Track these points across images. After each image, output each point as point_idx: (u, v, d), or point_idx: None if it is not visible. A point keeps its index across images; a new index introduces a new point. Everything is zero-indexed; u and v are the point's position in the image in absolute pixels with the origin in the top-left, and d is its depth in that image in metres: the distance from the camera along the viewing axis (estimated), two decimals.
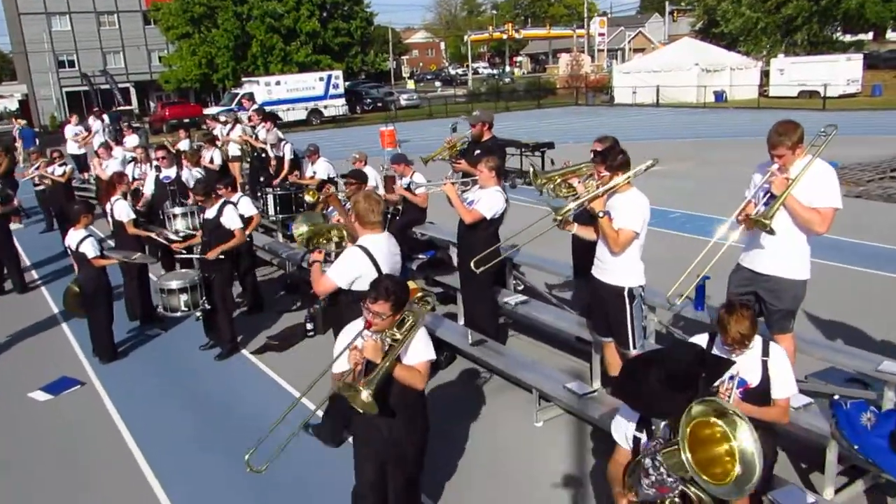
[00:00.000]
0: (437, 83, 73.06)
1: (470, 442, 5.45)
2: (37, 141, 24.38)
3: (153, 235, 8.22)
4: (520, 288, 7.51)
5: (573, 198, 5.18)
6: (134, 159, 11.77)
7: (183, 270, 7.11)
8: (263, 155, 12.05)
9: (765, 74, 38.23)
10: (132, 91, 52.92)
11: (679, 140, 22.82)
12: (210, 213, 7.11)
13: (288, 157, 11.33)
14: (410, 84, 65.29)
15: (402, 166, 8.23)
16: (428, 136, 24.86)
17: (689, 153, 19.15)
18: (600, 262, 5.07)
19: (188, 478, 5.21)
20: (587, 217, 5.04)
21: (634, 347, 5.01)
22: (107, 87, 50.28)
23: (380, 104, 43.91)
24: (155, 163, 10.05)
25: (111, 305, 7.27)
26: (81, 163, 17.16)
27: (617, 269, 4.94)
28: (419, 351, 3.71)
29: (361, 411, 3.41)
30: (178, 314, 6.99)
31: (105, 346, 7.25)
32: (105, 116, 19.34)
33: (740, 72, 38.37)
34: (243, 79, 37.41)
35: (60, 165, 12.30)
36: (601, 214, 4.77)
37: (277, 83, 35.43)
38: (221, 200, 7.13)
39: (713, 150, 19.92)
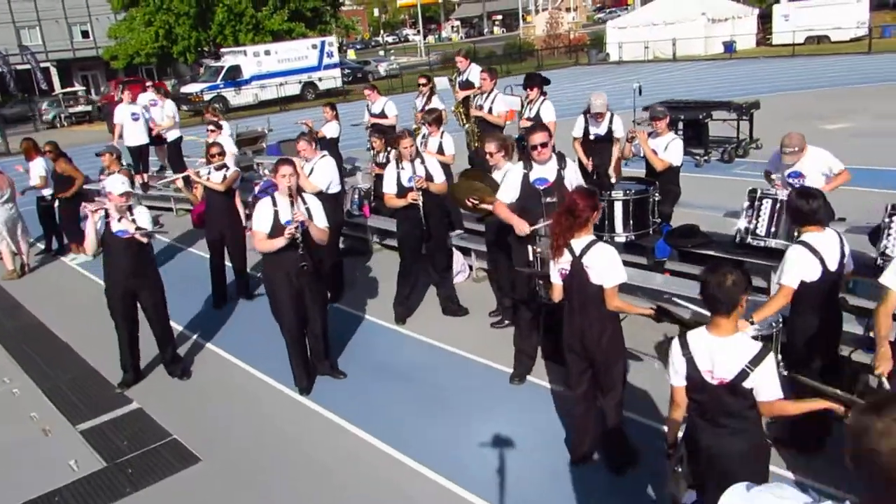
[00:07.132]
0: (381, 52, 68.50)
1: None
2: None
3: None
4: None
5: None
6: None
7: None
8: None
9: (762, 21, 37.12)
10: (53, 70, 45.80)
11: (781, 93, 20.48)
12: None
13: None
14: (351, 54, 60.52)
15: None
16: None
17: (844, 106, 16.60)
18: None
19: None
20: None
21: None
22: (25, 66, 43.16)
23: (359, 75, 39.63)
24: None
25: None
26: (141, 155, 12.83)
27: None
28: None
29: None
30: None
31: None
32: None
33: (740, 20, 37.01)
34: (222, 50, 31.99)
35: (218, 168, 8.19)
36: None
37: (267, 52, 30.50)
38: None
39: (849, 99, 17.56)
